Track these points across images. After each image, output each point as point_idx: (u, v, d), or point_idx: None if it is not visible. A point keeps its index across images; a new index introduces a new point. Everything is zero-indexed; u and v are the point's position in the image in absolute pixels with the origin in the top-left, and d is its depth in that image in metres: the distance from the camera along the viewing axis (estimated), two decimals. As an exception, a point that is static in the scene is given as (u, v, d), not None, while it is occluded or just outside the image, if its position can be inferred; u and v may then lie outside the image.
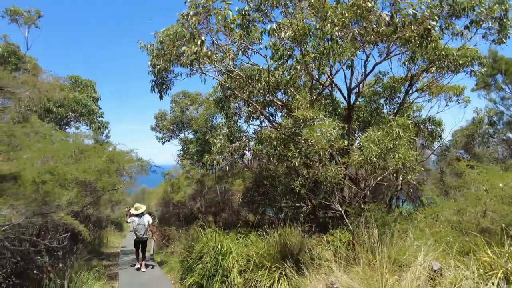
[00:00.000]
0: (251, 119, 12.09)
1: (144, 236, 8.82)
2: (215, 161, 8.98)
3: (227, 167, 12.70)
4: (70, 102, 10.58)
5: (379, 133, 5.01)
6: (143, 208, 9.20)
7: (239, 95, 10.75)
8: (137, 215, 8.85)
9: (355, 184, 8.48)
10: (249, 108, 12.69)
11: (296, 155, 6.42)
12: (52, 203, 4.58)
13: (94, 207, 15.28)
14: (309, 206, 10.47)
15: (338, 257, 5.82)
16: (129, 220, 9.53)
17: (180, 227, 12.36)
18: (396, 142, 5.19)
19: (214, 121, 12.76)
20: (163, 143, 20.70)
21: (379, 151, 4.95)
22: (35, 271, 5.86)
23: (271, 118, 11.29)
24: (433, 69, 9.08)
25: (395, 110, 9.88)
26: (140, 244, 8.84)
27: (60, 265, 6.14)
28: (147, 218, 8.97)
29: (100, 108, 12.73)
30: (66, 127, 10.70)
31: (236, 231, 10.46)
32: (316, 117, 5.59)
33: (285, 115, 9.69)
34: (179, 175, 13.70)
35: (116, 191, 13.06)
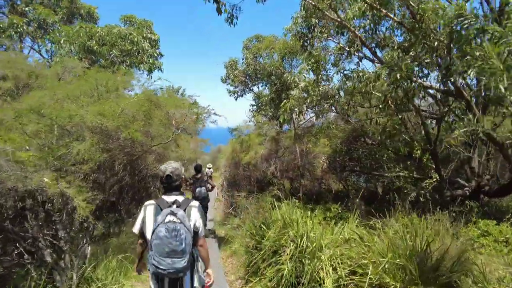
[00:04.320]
0: (345, 59, 8.89)
1: None
2: (296, 110, 6.18)
3: (309, 122, 9.84)
4: (115, 38, 8.67)
5: None
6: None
7: (331, 16, 7.61)
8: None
9: None
10: (340, 45, 9.39)
11: None
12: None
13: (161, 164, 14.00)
14: (434, 180, 7.16)
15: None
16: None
17: (251, 193, 10.18)
18: None
19: (294, 63, 9.87)
20: (236, 98, 18.52)
21: None
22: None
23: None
24: None
25: None
26: None
27: (67, 258, 4.21)
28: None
29: (158, 48, 10.70)
30: (113, 67, 8.94)
31: (324, 207, 7.77)
32: None
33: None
34: (250, 132, 11.32)
35: (178, 146, 11.31)
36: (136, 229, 2.58)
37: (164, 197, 2.61)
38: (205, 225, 2.85)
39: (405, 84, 5.42)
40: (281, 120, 6.17)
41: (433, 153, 6.45)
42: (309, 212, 6.96)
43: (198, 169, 7.70)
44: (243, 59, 15.94)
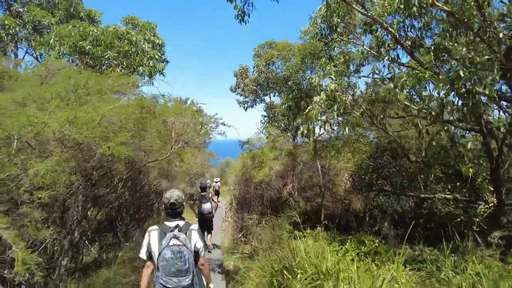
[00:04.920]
0: (369, 63, 7.79)
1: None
2: (323, 118, 5.02)
3: (327, 134, 8.64)
4: (111, 38, 7.65)
5: None
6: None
7: (359, 10, 6.58)
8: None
9: None
10: (365, 47, 8.34)
11: None
12: None
13: (169, 182, 13.00)
14: (490, 205, 5.87)
15: None
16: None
17: (263, 214, 8.97)
18: None
19: (314, 67, 8.73)
20: (246, 109, 17.47)
21: None
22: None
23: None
24: None
25: None
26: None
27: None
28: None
29: (163, 54, 9.75)
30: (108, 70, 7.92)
31: (356, 238, 6.49)
32: None
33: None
34: (263, 146, 10.15)
35: (182, 161, 10.21)
36: (143, 254, 2.75)
37: (166, 222, 2.82)
38: (204, 245, 2.90)
39: (468, 84, 4.21)
40: (305, 131, 5.01)
41: (494, 172, 5.19)
42: (337, 245, 5.72)
43: (203, 187, 7.94)
44: (254, 67, 14.93)
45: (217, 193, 16.06)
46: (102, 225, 8.30)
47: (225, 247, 8.36)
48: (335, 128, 6.85)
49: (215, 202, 8.25)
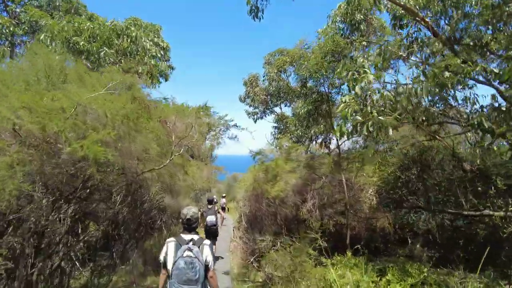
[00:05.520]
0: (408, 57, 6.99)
1: None
2: (358, 118, 4.05)
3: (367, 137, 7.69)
4: (108, 33, 6.87)
5: None
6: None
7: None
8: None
9: None
10: (387, 47, 7.52)
11: None
12: None
13: (173, 197, 12.00)
14: None
15: None
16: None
17: (278, 234, 7.91)
18: None
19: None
20: (255, 120, 16.61)
21: None
22: None
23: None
24: None
25: None
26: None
27: None
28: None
29: (168, 60, 8.98)
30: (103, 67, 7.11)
31: (398, 267, 5.36)
32: None
33: None
34: (276, 157, 9.16)
35: (187, 174, 9.31)
36: (162, 258, 3.07)
37: (182, 235, 3.15)
38: (214, 259, 3.10)
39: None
40: (337, 133, 4.10)
41: None
42: (375, 275, 4.64)
43: (210, 201, 8.39)
44: (264, 75, 14.13)
45: (223, 209, 15.29)
46: (98, 244, 7.42)
47: (234, 273, 7.27)
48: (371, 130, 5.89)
49: (220, 215, 8.77)
